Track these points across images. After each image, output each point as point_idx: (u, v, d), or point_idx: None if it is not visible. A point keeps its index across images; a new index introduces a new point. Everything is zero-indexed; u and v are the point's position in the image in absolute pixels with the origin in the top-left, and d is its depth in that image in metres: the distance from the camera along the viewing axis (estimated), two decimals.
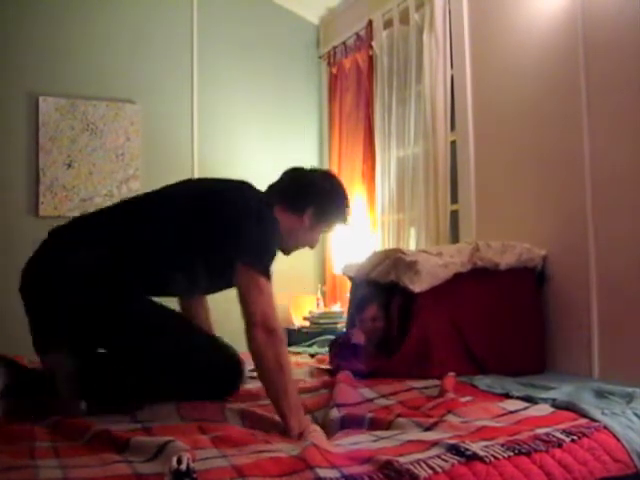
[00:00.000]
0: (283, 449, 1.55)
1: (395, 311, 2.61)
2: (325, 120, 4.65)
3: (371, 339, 2.69)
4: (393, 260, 2.61)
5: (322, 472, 1.37)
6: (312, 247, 2.29)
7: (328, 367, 2.68)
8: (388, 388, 2.23)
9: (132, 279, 1.99)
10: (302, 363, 2.94)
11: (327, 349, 2.88)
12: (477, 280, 2.61)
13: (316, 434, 1.61)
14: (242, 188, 2.15)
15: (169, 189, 2.18)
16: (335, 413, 1.97)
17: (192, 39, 4.34)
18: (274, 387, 1.83)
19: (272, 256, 2.01)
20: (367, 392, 2.19)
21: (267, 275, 1.91)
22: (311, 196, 2.17)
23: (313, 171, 2.29)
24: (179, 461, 1.31)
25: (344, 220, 2.27)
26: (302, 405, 1.88)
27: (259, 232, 1.97)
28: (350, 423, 1.90)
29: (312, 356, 3.17)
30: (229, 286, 2.03)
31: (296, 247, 2.29)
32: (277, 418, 1.82)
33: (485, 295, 2.62)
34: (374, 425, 1.85)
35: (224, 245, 1.96)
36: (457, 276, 2.57)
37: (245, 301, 1.90)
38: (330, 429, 1.88)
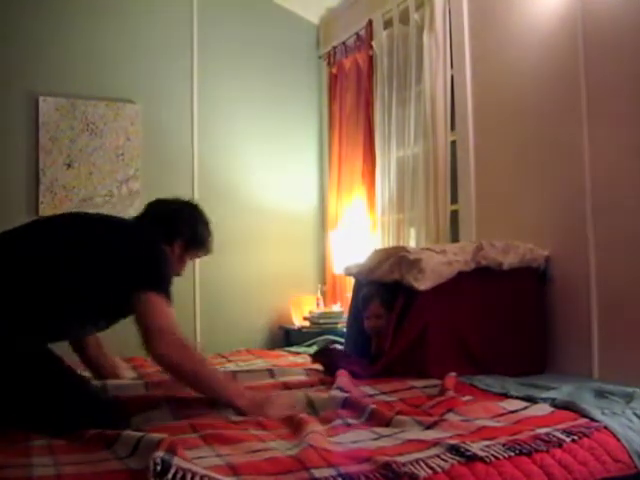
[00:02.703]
0: (279, 448, 1.55)
1: (397, 310, 2.60)
2: (325, 120, 4.65)
3: (373, 336, 2.70)
4: (397, 258, 2.60)
5: (318, 472, 1.37)
6: (179, 275, 2.32)
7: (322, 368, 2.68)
8: (388, 386, 2.25)
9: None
10: (300, 364, 2.94)
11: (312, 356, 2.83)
12: (479, 279, 2.61)
13: (314, 435, 1.61)
14: (124, 226, 2.21)
15: (48, 230, 2.09)
16: (338, 393, 2.00)
17: (192, 39, 4.34)
18: (203, 387, 1.95)
19: (169, 282, 2.06)
20: (367, 389, 2.20)
21: (168, 298, 1.97)
22: (180, 227, 2.26)
23: (179, 202, 2.37)
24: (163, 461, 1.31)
25: (209, 249, 2.39)
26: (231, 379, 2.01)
27: (153, 260, 2.05)
28: (352, 406, 1.92)
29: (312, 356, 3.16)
30: (124, 317, 2.09)
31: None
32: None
33: (487, 295, 2.62)
34: (374, 418, 1.85)
35: (119, 279, 1.97)
36: (459, 275, 2.56)
37: (145, 321, 1.93)
38: (329, 407, 1.91)
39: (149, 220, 2.27)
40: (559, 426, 1.72)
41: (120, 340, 3.82)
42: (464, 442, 1.55)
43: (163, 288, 1.98)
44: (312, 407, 2.02)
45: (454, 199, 3.37)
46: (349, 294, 3.38)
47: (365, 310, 2.75)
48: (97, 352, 2.48)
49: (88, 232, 2.07)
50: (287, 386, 2.30)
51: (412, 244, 3.60)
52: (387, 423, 1.81)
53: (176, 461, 1.32)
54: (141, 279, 1.98)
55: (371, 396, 2.13)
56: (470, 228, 3.19)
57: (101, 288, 1.98)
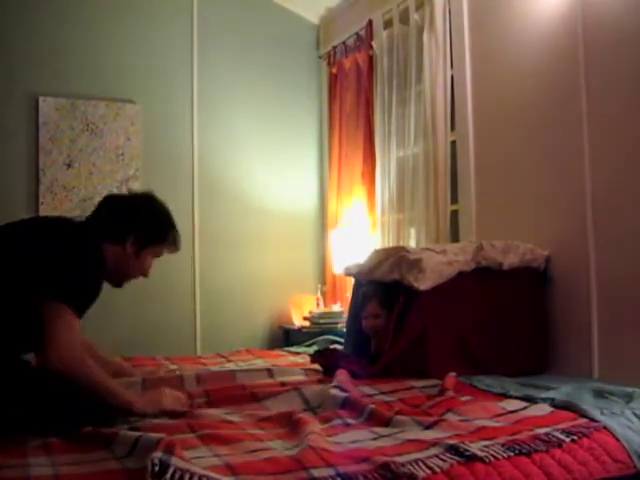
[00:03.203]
0: (277, 448, 1.55)
1: (397, 310, 2.59)
2: (325, 120, 4.65)
3: (372, 336, 2.70)
4: (397, 258, 2.60)
5: (317, 472, 1.37)
6: (145, 275, 2.20)
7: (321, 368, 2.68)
8: (388, 386, 2.24)
9: None
10: (300, 364, 2.94)
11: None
12: (480, 279, 2.61)
13: (314, 435, 1.61)
14: (55, 225, 2.05)
15: None
16: (337, 392, 1.99)
17: (192, 39, 4.34)
18: (97, 395, 1.84)
19: (77, 289, 1.87)
20: (367, 389, 2.20)
21: (67, 303, 1.81)
22: (129, 223, 2.11)
23: (129, 197, 2.23)
24: (162, 462, 1.31)
25: (172, 242, 2.21)
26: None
27: (57, 264, 1.85)
28: (351, 406, 1.91)
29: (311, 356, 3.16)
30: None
31: (127, 277, 2.19)
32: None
33: (487, 295, 2.61)
34: (373, 418, 1.85)
35: (23, 284, 1.83)
36: (460, 275, 2.56)
37: (46, 335, 1.78)
38: (329, 406, 1.90)
39: (95, 219, 2.14)
40: (559, 426, 1.72)
41: (117, 340, 3.84)
42: (463, 442, 1.54)
43: (65, 296, 1.81)
44: (307, 404, 2.03)
45: (454, 199, 3.36)
46: (349, 294, 3.38)
47: (363, 310, 2.75)
48: (94, 357, 2.29)
49: (15, 237, 1.95)
50: (285, 386, 2.30)
51: (412, 244, 3.60)
52: (386, 423, 1.81)
53: (174, 461, 1.32)
54: (41, 284, 1.82)
55: (370, 396, 2.13)
56: (470, 228, 3.19)
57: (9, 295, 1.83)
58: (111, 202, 2.21)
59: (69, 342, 1.80)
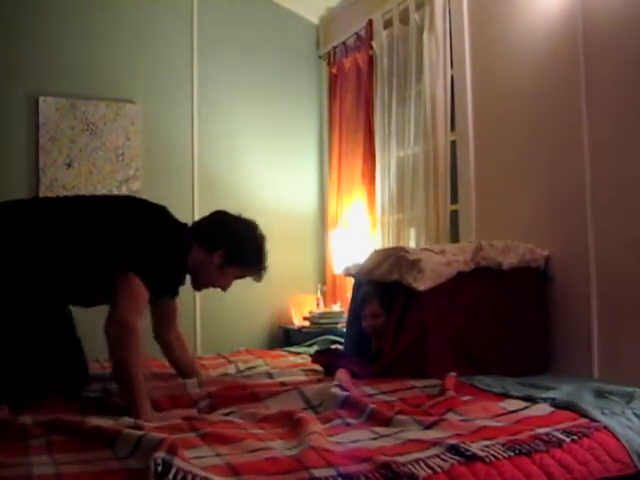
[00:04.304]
0: (278, 447, 1.55)
1: (397, 310, 2.60)
2: (325, 120, 4.65)
3: (372, 336, 2.70)
4: (396, 259, 2.60)
5: (318, 472, 1.37)
6: (223, 289, 2.38)
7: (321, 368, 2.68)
8: (388, 386, 2.25)
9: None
10: (300, 364, 2.94)
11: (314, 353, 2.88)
12: (479, 280, 2.61)
13: (314, 435, 1.61)
14: (160, 212, 2.29)
15: (86, 201, 2.28)
16: (338, 391, 2.00)
17: (192, 39, 4.34)
18: (121, 382, 2.01)
19: (162, 273, 2.11)
20: (367, 389, 2.20)
21: (141, 277, 2.02)
22: (223, 237, 2.27)
23: (236, 217, 2.39)
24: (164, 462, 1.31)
25: (257, 271, 2.36)
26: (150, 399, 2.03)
27: (151, 247, 2.09)
28: (351, 406, 1.92)
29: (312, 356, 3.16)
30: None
31: (205, 285, 2.40)
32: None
33: (487, 295, 2.61)
34: (374, 418, 1.85)
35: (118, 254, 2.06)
36: (459, 275, 2.56)
37: (114, 301, 2.00)
38: (329, 405, 1.90)
39: (199, 222, 2.35)
40: (559, 426, 1.72)
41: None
42: (464, 442, 1.55)
43: (143, 270, 2.02)
44: (307, 403, 2.03)
45: (454, 199, 3.36)
46: (349, 294, 3.38)
47: (363, 310, 2.75)
48: (181, 354, 2.56)
49: (116, 212, 2.19)
50: (285, 385, 2.30)
51: (412, 244, 3.60)
52: (387, 423, 1.81)
53: (177, 462, 1.32)
54: (125, 258, 2.04)
55: (371, 396, 2.14)
56: (470, 228, 3.19)
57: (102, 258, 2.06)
58: (218, 214, 2.40)
59: (129, 309, 1.98)
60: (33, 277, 2.03)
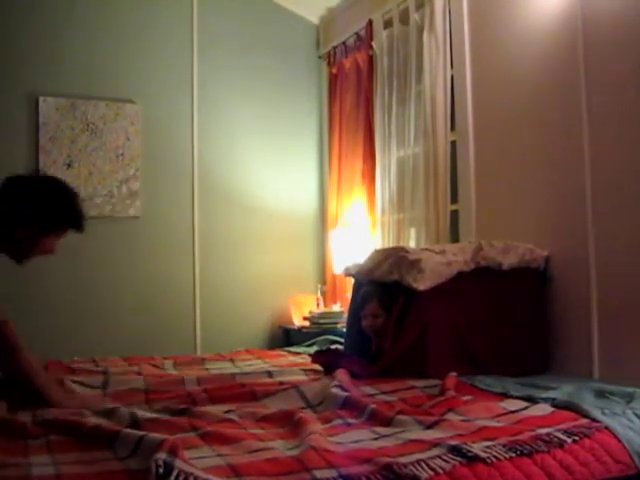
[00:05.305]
0: (279, 448, 1.55)
1: (397, 310, 2.60)
2: (325, 120, 4.65)
3: (372, 336, 2.70)
4: (396, 259, 2.60)
5: (319, 473, 1.37)
6: (51, 253, 2.17)
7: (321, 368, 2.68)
8: (389, 386, 2.25)
9: None
10: (300, 364, 2.94)
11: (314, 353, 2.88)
12: (479, 280, 2.61)
13: (315, 436, 1.61)
14: None
15: None
16: (338, 391, 1.99)
17: (192, 39, 4.33)
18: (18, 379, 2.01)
19: None
20: (368, 389, 2.20)
21: None
22: (17, 207, 2.07)
23: (20, 178, 2.16)
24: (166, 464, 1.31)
25: (71, 222, 2.15)
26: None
27: None
28: (352, 406, 1.91)
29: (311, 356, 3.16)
30: None
31: (27, 256, 2.16)
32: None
33: (487, 295, 2.62)
34: (374, 418, 1.85)
35: None
36: (459, 275, 2.56)
37: None
38: (329, 405, 1.90)
39: None
40: (560, 426, 1.72)
41: (117, 339, 3.84)
42: (465, 443, 1.55)
43: None
44: (306, 402, 2.03)
45: (454, 199, 3.36)
46: (349, 294, 3.38)
47: (363, 309, 2.75)
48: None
49: None
50: (284, 384, 2.30)
51: (412, 244, 3.60)
52: (387, 423, 1.81)
53: (178, 464, 1.32)
54: None
55: (371, 396, 2.14)
56: (470, 228, 3.19)
57: None
58: (4, 184, 2.15)
59: None
60: None
